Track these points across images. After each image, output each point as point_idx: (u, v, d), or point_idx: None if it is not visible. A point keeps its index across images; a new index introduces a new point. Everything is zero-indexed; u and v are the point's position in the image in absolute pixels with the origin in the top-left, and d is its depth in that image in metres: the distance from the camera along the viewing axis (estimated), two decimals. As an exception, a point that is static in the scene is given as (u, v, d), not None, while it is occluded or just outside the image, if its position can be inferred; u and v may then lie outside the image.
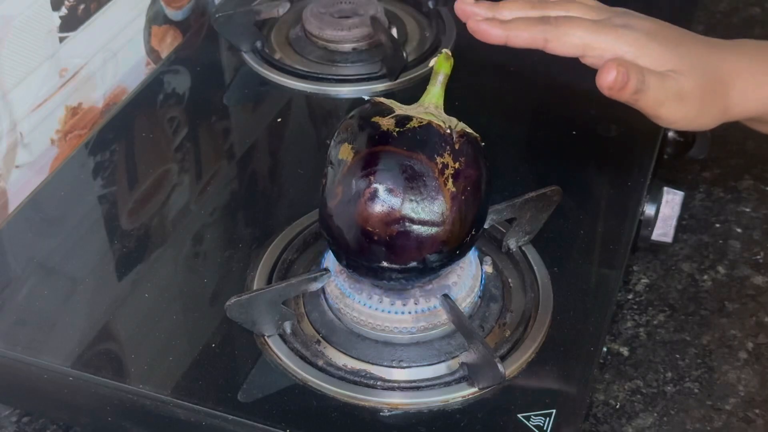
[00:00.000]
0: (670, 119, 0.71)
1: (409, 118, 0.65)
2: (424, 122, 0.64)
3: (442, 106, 0.67)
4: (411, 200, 0.63)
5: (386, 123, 0.65)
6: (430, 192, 0.63)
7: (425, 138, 0.64)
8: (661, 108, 0.70)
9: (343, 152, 0.65)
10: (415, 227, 0.64)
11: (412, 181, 0.63)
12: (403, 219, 0.63)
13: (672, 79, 0.70)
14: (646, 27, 0.72)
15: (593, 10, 0.74)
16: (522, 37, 0.71)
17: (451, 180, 0.64)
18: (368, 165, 0.64)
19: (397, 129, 0.64)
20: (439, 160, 0.63)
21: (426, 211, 0.63)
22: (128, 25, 1.00)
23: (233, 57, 1.00)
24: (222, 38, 1.01)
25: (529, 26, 0.71)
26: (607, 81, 0.67)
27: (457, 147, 0.64)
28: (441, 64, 0.68)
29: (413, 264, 0.65)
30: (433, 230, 0.64)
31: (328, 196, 0.66)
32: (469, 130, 0.66)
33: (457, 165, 0.64)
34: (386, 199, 0.63)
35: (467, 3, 0.73)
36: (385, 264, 0.65)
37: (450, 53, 0.68)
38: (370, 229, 0.64)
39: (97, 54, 0.96)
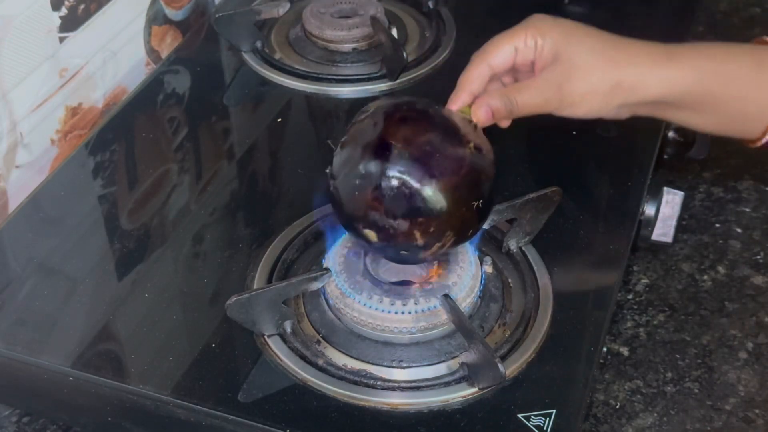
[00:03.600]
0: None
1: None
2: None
3: None
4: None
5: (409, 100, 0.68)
6: (448, 152, 0.65)
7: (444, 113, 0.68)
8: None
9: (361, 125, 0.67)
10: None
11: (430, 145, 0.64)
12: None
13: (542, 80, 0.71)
14: None
15: None
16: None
17: (472, 145, 0.66)
18: (387, 129, 0.65)
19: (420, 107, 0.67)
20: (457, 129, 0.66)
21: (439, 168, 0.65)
22: (128, 25, 1.00)
23: (233, 57, 1.00)
24: (222, 38, 1.01)
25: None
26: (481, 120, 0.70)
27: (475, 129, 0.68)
28: None
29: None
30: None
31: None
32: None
33: (472, 142, 0.66)
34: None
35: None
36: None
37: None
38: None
39: (97, 54, 0.96)
